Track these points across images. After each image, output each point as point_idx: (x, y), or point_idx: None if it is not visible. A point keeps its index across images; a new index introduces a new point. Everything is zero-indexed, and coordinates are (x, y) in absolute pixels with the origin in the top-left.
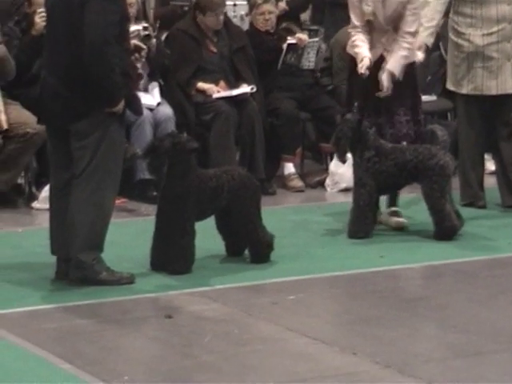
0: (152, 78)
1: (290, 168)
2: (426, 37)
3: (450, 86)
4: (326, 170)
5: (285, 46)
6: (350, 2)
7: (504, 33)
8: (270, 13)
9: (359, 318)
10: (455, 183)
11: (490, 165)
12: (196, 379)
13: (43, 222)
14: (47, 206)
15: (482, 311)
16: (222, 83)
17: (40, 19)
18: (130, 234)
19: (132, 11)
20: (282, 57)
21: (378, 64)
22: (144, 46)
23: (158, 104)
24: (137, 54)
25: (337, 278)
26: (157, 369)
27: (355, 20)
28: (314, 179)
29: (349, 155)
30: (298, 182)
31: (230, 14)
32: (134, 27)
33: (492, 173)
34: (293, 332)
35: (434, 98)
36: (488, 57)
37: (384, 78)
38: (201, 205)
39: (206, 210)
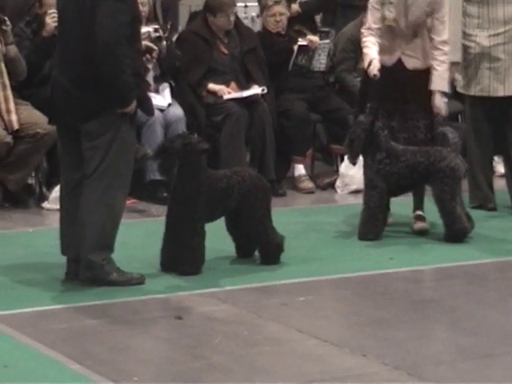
0: (163, 79)
1: (300, 169)
2: None
3: (459, 88)
4: (337, 171)
5: (296, 47)
6: (369, 6)
7: (511, 34)
8: (281, 14)
9: (369, 320)
10: (464, 185)
11: (500, 167)
12: (205, 380)
13: (54, 222)
14: (58, 206)
15: (491, 313)
16: (232, 84)
17: (51, 20)
18: (140, 234)
19: (144, 10)
20: (292, 58)
21: (395, 68)
22: (155, 48)
23: (169, 105)
24: (148, 56)
25: (347, 280)
26: (166, 369)
27: (372, 22)
28: (325, 181)
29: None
30: (308, 184)
31: (241, 15)
32: (144, 29)
33: (502, 175)
34: (302, 333)
35: (444, 99)
36: (495, 58)
37: (437, 101)
38: (211, 206)
39: (216, 210)
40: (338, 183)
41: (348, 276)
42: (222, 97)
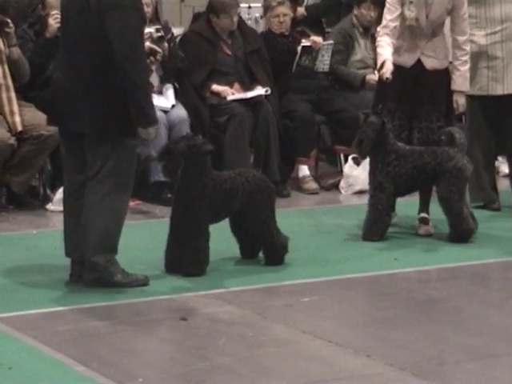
0: (166, 80)
1: (304, 170)
2: None
3: None
4: (341, 172)
5: (299, 48)
6: (387, 4)
7: (508, 32)
8: (284, 15)
9: (373, 321)
10: None
11: (504, 167)
12: (210, 381)
13: (58, 223)
14: (61, 208)
15: (496, 314)
16: (236, 85)
17: (54, 21)
18: (144, 236)
19: (148, 11)
20: (296, 59)
21: (414, 68)
22: (160, 50)
23: (173, 106)
24: (152, 58)
25: (351, 281)
26: (171, 371)
27: (389, 21)
28: (329, 181)
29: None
30: (312, 185)
31: (245, 16)
32: (146, 29)
33: (506, 175)
34: (307, 334)
35: None
36: (492, 56)
37: (461, 101)
38: (215, 207)
39: (220, 212)
40: (342, 184)
41: (352, 277)
42: (225, 98)
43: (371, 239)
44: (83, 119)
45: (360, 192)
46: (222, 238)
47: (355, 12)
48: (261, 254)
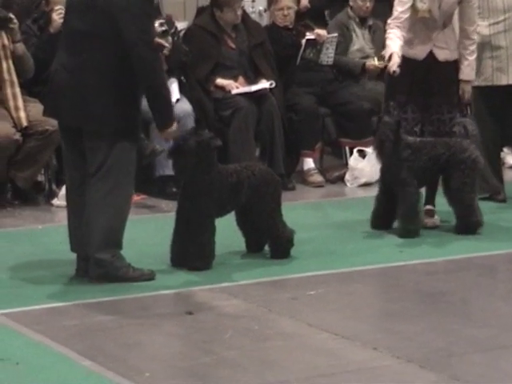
0: (170, 74)
1: (309, 163)
2: None
3: None
4: (346, 165)
5: (303, 41)
6: None
7: (511, 21)
8: (288, 8)
9: (380, 313)
10: None
11: (510, 158)
12: (217, 375)
13: (63, 219)
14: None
15: (503, 305)
16: (240, 79)
17: (58, 16)
18: (150, 230)
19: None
20: (300, 52)
21: (426, 61)
22: (166, 44)
23: (177, 100)
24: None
25: (357, 273)
26: (177, 365)
27: (401, 13)
28: (334, 174)
29: (368, 150)
30: (317, 177)
31: (249, 9)
32: None
33: (511, 167)
34: (313, 327)
35: None
36: (496, 46)
37: (468, 91)
38: (221, 201)
39: (226, 205)
40: (347, 177)
41: (359, 269)
42: (230, 91)
43: (416, 236)
44: (83, 115)
45: (365, 184)
46: (227, 231)
47: (351, 3)
48: (266, 248)
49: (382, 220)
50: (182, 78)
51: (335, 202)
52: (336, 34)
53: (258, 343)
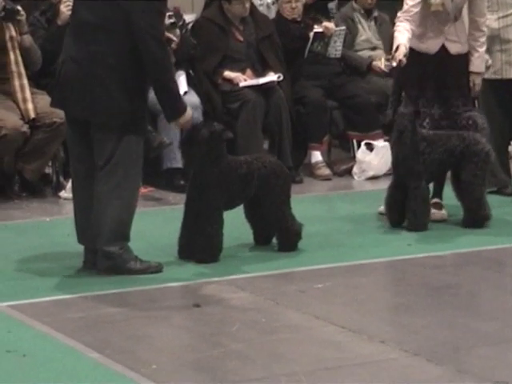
0: (178, 67)
1: (317, 156)
2: None
3: None
4: (353, 158)
5: (311, 34)
6: None
7: None
8: (296, 1)
9: (387, 306)
10: None
11: None
12: (224, 368)
13: (71, 211)
14: None
15: (510, 299)
16: (248, 72)
17: (66, 8)
18: (157, 222)
19: None
20: (308, 45)
21: (439, 54)
22: (174, 38)
23: (185, 93)
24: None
25: (364, 267)
26: (185, 357)
27: (412, 7)
28: (341, 167)
29: (376, 143)
30: (325, 170)
31: (257, 2)
32: None
33: None
34: (320, 320)
35: None
36: (505, 40)
37: (478, 82)
38: (230, 193)
39: (235, 197)
40: (354, 170)
41: (366, 262)
42: (238, 84)
43: (419, 230)
44: (91, 107)
45: (373, 177)
46: (235, 224)
47: None
48: (274, 240)
49: (397, 216)
50: (190, 71)
51: (343, 195)
52: (344, 27)
53: (266, 336)
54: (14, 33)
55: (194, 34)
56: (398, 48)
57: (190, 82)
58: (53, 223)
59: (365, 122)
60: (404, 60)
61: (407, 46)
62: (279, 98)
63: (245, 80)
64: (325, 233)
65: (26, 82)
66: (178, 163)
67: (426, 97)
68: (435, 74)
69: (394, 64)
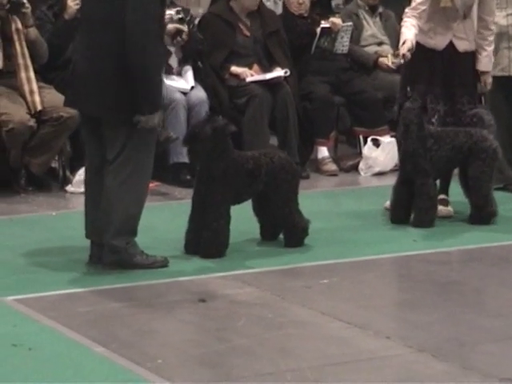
0: (185, 61)
1: (323, 152)
2: None
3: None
4: (360, 153)
5: (318, 29)
6: None
7: None
8: None
9: (393, 302)
10: None
11: None
12: (229, 363)
13: (77, 205)
14: (81, 189)
15: None
16: (255, 67)
17: (73, 3)
18: (163, 217)
19: None
20: (315, 41)
21: (446, 51)
22: (185, 29)
23: (192, 88)
24: (178, 38)
25: (370, 262)
26: (190, 352)
27: (420, 4)
28: (348, 163)
29: (382, 139)
30: (331, 166)
31: None
32: (167, 12)
33: None
34: (326, 316)
35: None
36: None
37: (489, 81)
38: (237, 187)
39: (242, 192)
40: (361, 165)
41: (372, 258)
42: (244, 79)
43: (425, 226)
44: (100, 103)
45: (379, 173)
46: (242, 218)
47: None
48: (280, 236)
49: (403, 212)
50: (199, 63)
51: (349, 191)
52: (351, 23)
53: (271, 331)
54: (19, 25)
55: (201, 29)
56: (404, 43)
57: (197, 77)
58: (59, 217)
59: (371, 118)
60: (408, 55)
61: (414, 41)
62: (286, 93)
63: (251, 75)
64: (331, 228)
65: (32, 74)
66: (185, 158)
67: (434, 93)
68: (442, 71)
69: (402, 61)
